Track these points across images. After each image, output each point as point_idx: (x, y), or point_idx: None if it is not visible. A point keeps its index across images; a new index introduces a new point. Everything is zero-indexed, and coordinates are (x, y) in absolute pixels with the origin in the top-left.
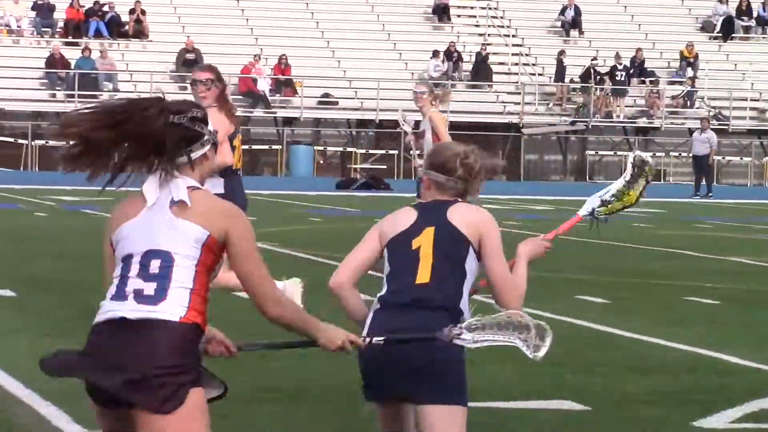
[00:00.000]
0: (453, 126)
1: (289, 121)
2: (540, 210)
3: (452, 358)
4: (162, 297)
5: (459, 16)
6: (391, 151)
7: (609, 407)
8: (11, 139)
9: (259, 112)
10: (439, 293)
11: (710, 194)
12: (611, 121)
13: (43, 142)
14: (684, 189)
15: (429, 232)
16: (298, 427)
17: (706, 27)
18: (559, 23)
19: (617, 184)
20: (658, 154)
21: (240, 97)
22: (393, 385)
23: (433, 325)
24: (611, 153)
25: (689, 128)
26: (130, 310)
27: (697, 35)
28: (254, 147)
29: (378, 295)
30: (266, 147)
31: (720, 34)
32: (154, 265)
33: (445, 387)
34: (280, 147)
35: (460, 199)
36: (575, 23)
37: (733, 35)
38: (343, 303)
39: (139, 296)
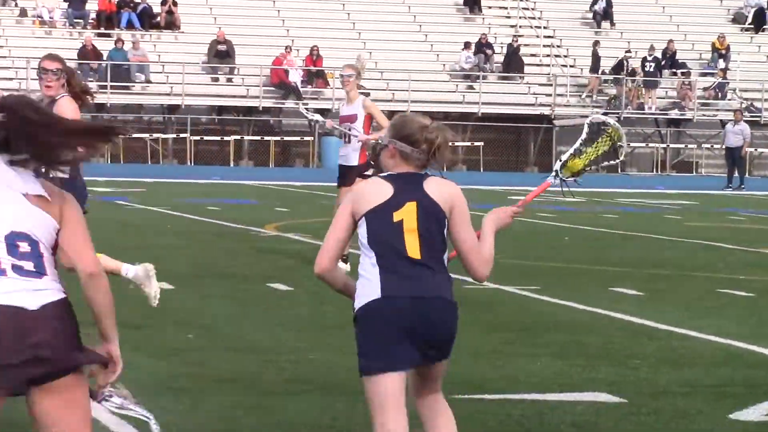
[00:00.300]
0: (485, 117)
1: (320, 113)
2: (572, 202)
3: None
4: (43, 273)
5: (490, 7)
6: None
7: (644, 399)
8: None
9: (290, 104)
10: (433, 267)
11: (743, 186)
12: (643, 113)
13: None
14: (716, 181)
15: (411, 207)
16: (334, 419)
17: (737, 18)
18: (590, 15)
19: (575, 145)
20: (690, 146)
21: (271, 88)
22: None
23: (446, 288)
24: (643, 145)
25: (721, 120)
26: (17, 290)
27: (728, 27)
28: (286, 138)
29: (370, 259)
30: (298, 138)
31: (752, 26)
32: (24, 246)
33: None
34: (312, 138)
35: (428, 173)
36: (606, 15)
37: (764, 26)
38: (331, 283)
39: (20, 270)
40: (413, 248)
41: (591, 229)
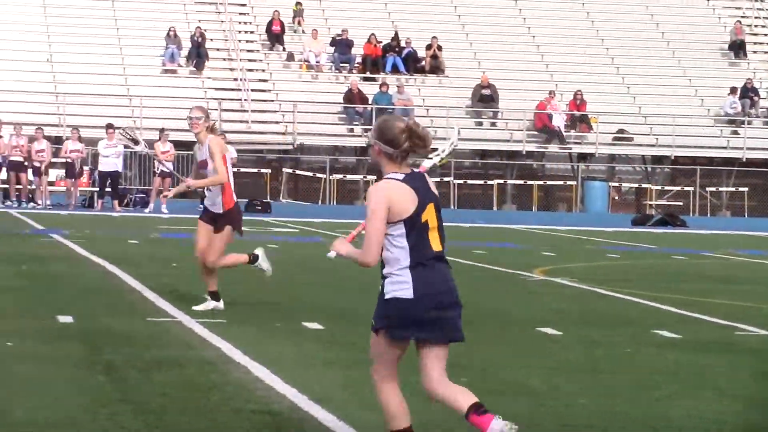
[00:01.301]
0: (749, 163)
1: (583, 157)
2: None
3: None
4: None
5: (755, 52)
6: (686, 188)
7: None
8: (310, 174)
9: (554, 148)
10: (445, 256)
11: None
12: None
13: (341, 176)
14: None
15: (431, 208)
16: None
17: None
18: None
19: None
20: None
21: (535, 132)
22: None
23: (451, 277)
24: None
25: None
26: None
27: None
28: (549, 183)
29: (402, 259)
30: (561, 183)
31: None
32: None
33: None
34: (575, 183)
35: (414, 169)
36: None
37: None
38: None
39: None
40: (436, 243)
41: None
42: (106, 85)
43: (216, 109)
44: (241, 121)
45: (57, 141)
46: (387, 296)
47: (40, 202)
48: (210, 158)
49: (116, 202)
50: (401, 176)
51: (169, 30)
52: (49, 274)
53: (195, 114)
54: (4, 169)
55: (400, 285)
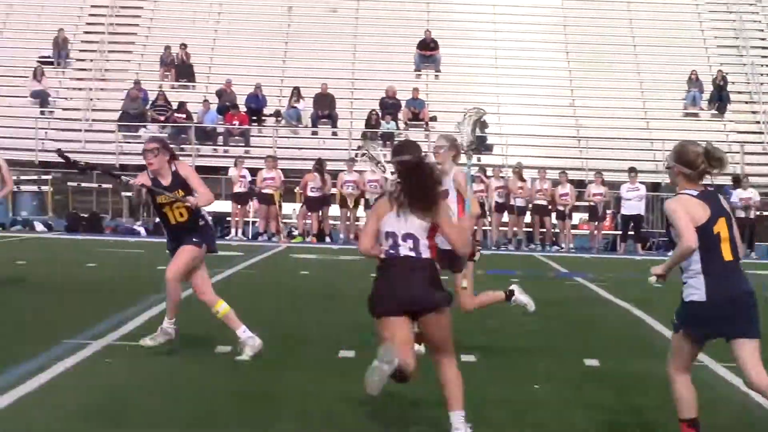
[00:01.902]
0: None
1: None
2: None
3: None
4: None
5: None
6: None
7: None
8: None
9: None
10: (739, 264)
11: None
12: None
13: None
14: None
15: (722, 221)
16: None
17: None
18: None
19: None
20: None
21: None
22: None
23: (747, 281)
24: None
25: None
26: None
27: None
28: None
29: (696, 264)
30: None
31: None
32: None
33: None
34: None
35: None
36: None
37: None
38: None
39: None
40: (727, 253)
41: None
42: (628, 129)
43: (738, 152)
44: (764, 164)
45: (580, 185)
46: (685, 299)
47: (563, 245)
48: (452, 189)
49: (639, 245)
50: (695, 192)
51: (691, 74)
52: (574, 317)
53: (439, 143)
54: (527, 213)
55: (695, 289)
